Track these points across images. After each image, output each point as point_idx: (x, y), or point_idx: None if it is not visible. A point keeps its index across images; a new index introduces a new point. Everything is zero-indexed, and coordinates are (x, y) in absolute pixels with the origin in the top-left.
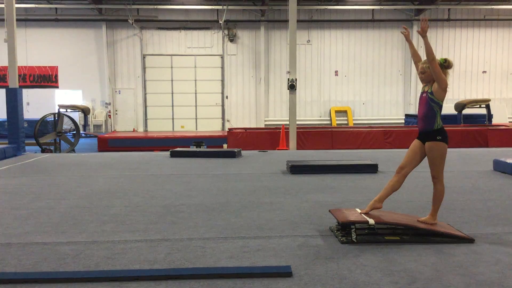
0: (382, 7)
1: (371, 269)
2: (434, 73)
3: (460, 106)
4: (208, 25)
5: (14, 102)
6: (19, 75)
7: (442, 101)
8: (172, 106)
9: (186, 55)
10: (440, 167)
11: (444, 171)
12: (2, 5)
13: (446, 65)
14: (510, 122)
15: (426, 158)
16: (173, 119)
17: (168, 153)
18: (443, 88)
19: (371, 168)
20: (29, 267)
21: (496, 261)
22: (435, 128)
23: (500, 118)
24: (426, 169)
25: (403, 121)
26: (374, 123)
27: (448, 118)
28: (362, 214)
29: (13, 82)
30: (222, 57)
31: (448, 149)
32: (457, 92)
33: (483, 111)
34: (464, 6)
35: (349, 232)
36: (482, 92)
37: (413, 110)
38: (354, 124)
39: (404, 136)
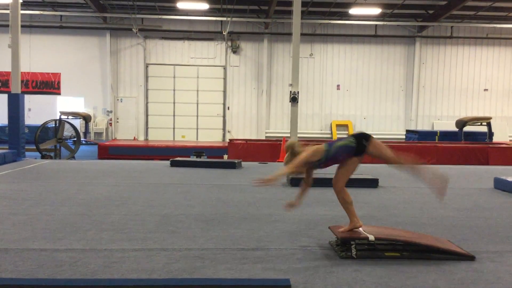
0: (385, 23)
1: (371, 285)
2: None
3: (461, 123)
4: (211, 36)
5: (15, 108)
6: (22, 81)
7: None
8: (174, 115)
9: (189, 65)
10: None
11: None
12: (8, 11)
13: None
14: (511, 140)
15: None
16: (174, 128)
17: (168, 162)
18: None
19: (372, 183)
20: (26, 273)
21: (497, 279)
22: None
23: (501, 136)
24: (424, 185)
25: (404, 136)
26: (375, 138)
27: (449, 135)
28: (362, 230)
29: (16, 87)
30: (224, 68)
31: (449, 166)
32: (458, 109)
33: (484, 128)
34: (467, 24)
35: (349, 248)
36: (484, 109)
37: (414, 126)
38: None
39: (405, 152)
